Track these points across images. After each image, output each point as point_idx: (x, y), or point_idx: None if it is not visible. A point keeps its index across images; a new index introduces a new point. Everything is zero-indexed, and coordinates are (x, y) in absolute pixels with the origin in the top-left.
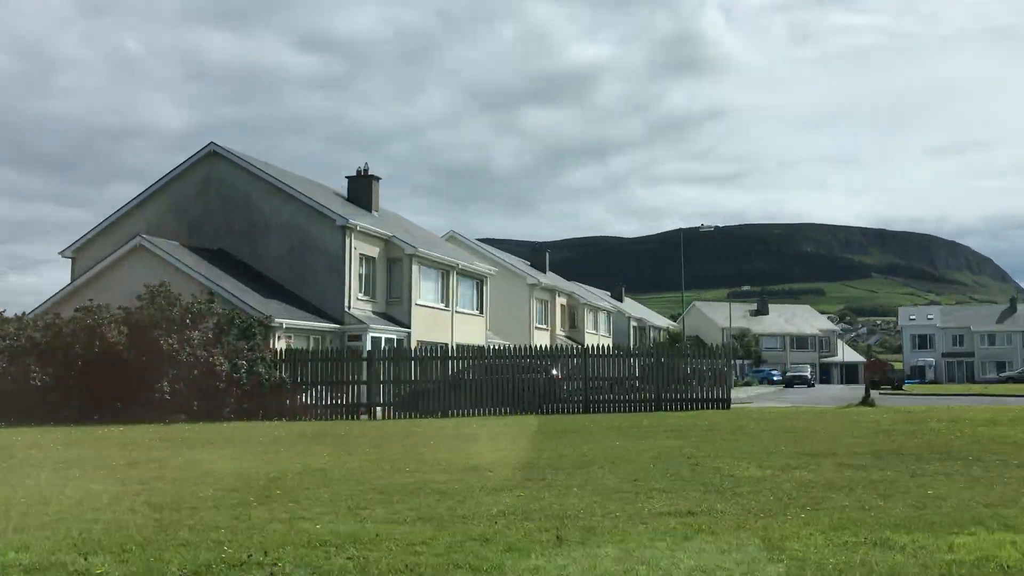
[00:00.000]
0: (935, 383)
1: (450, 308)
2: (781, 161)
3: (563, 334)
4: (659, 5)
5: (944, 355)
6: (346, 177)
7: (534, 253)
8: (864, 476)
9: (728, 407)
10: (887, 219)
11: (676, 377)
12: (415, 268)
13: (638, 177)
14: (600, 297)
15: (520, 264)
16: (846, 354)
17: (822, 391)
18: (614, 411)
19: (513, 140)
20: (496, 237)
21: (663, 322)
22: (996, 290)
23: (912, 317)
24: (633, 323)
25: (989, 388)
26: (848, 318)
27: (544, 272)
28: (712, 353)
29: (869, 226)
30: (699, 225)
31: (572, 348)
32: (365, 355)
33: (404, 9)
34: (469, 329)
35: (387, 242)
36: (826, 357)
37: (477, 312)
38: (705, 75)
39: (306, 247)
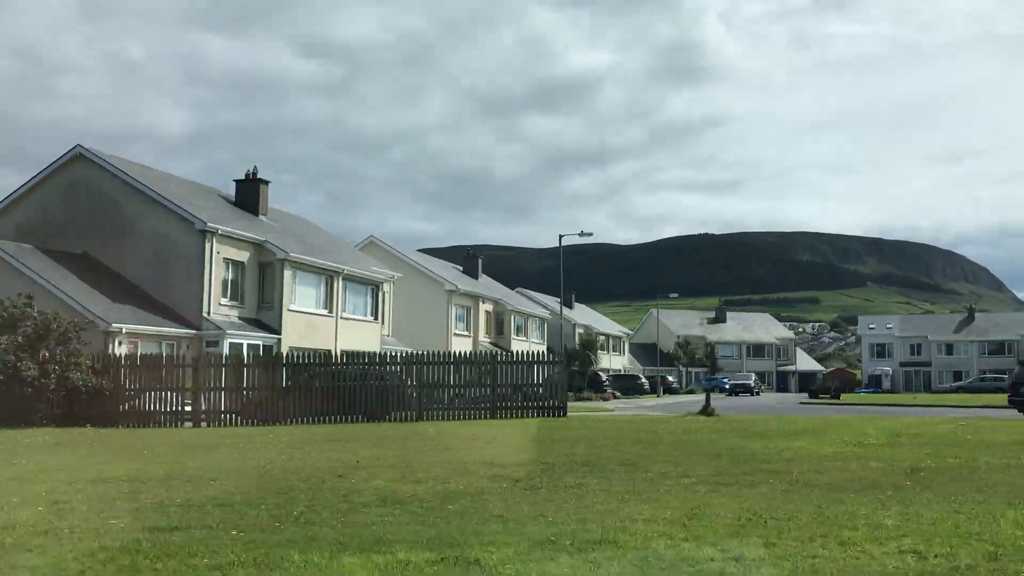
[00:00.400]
0: (891, 392)
1: (334, 314)
2: (780, 168)
3: (488, 340)
4: (659, 13)
5: (902, 364)
6: (234, 181)
7: (467, 259)
8: (490, 487)
9: (564, 414)
10: (885, 227)
11: (511, 384)
12: (288, 273)
13: (638, 184)
14: (543, 305)
15: (444, 270)
16: (804, 363)
17: (751, 400)
18: (450, 418)
19: (514, 146)
20: (495, 244)
21: (615, 329)
22: (992, 300)
23: (871, 326)
24: (580, 330)
25: (936, 398)
26: (840, 327)
27: (476, 278)
28: (548, 360)
29: (866, 235)
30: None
31: (406, 355)
32: (191, 361)
33: (404, 14)
34: (360, 336)
35: (259, 247)
36: (784, 365)
37: (371, 318)
38: (705, 82)
39: (168, 251)
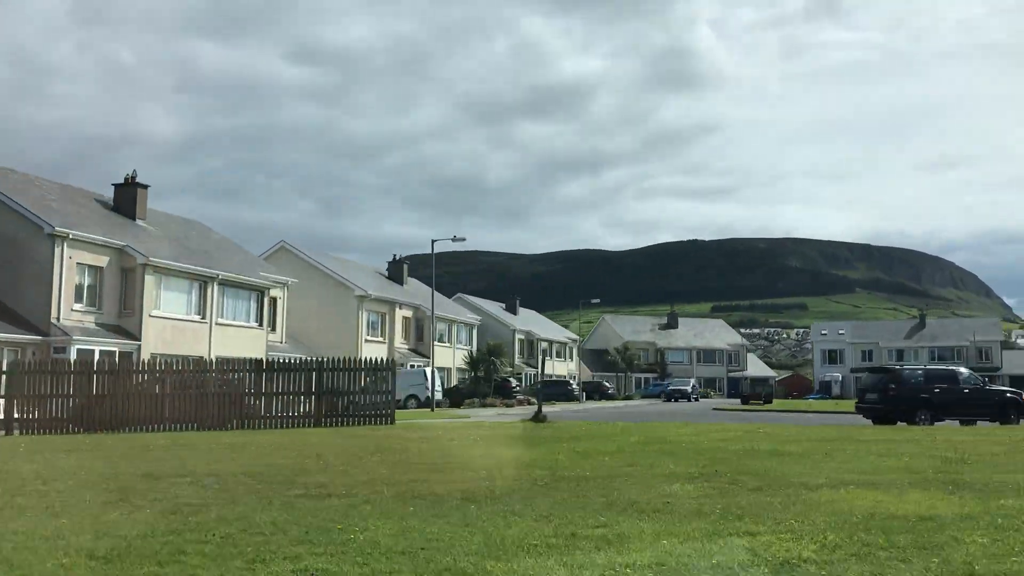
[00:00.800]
0: (841, 398)
1: (208, 320)
2: (773, 175)
3: (406, 347)
4: (651, 20)
5: (853, 371)
6: (112, 185)
7: (392, 265)
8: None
9: (392, 422)
10: (878, 233)
11: (339, 391)
12: (150, 278)
13: (631, 191)
14: (484, 312)
15: (361, 276)
16: (756, 368)
17: (686, 405)
18: (279, 427)
19: (507, 153)
20: (488, 250)
21: (562, 335)
22: (979, 305)
23: (824, 332)
24: (520, 336)
25: (846, 404)
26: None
27: (402, 284)
28: (377, 367)
29: (855, 241)
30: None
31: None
32: (6, 368)
33: (397, 21)
34: (241, 342)
35: (120, 251)
36: (735, 371)
37: (255, 324)
38: (697, 89)
39: (16, 256)
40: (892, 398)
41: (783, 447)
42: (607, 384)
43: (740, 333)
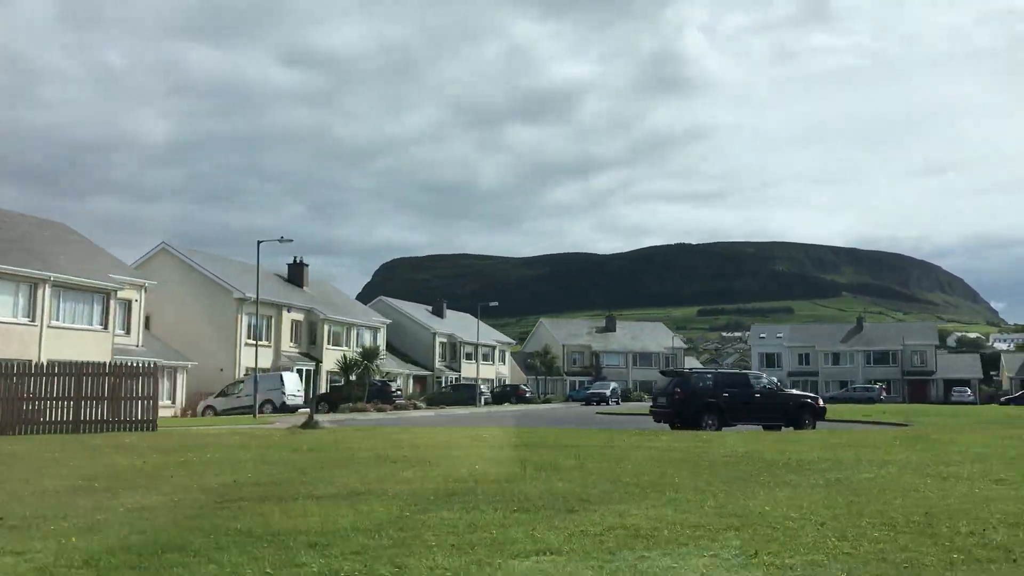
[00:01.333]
0: None
1: (39, 323)
2: (763, 180)
3: (296, 350)
4: (641, 24)
5: (790, 374)
6: None
7: (292, 267)
8: None
9: (154, 428)
10: (867, 238)
11: (99, 397)
12: None
13: (622, 195)
14: (408, 316)
15: (243, 279)
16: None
17: (580, 410)
18: (29, 432)
19: (498, 157)
20: (478, 253)
21: (492, 339)
22: (967, 310)
23: (762, 335)
24: (441, 339)
25: None
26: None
27: (302, 286)
28: (139, 372)
29: (842, 245)
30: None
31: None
32: None
33: (387, 25)
34: (79, 345)
35: None
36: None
37: (99, 327)
38: (687, 94)
39: None
40: (679, 402)
41: (412, 452)
42: (524, 387)
43: (723, 333)
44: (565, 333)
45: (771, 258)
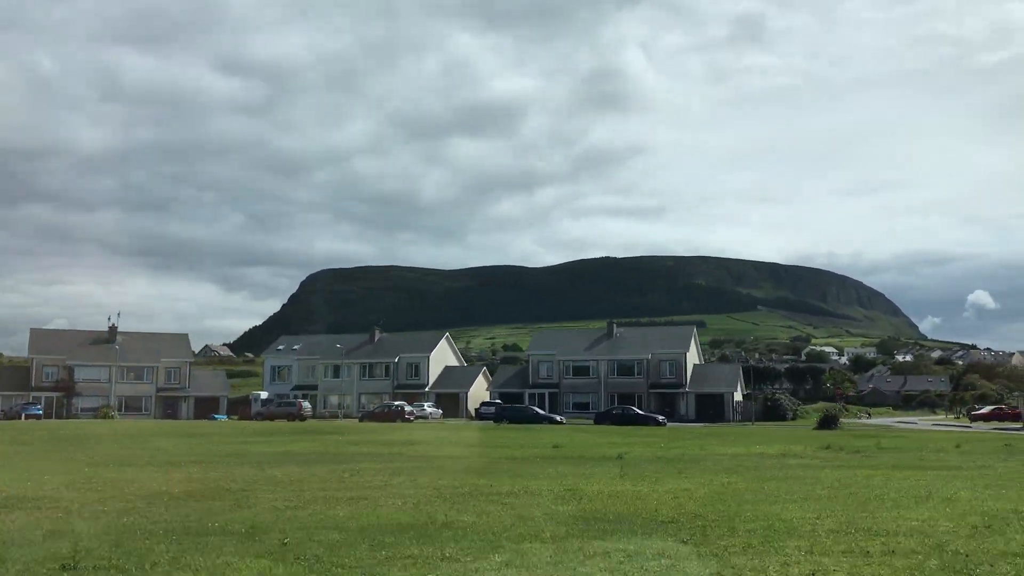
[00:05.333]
0: None
1: None
2: (702, 197)
3: None
4: (580, 41)
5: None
6: None
7: None
8: None
9: None
10: (804, 255)
11: None
12: None
13: (565, 209)
14: None
15: None
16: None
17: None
18: None
19: (440, 170)
20: (408, 265)
21: None
22: (885, 324)
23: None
24: None
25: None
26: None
27: None
28: None
29: (763, 260)
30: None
31: None
32: None
33: (326, 36)
34: None
35: None
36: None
37: None
38: (627, 111)
39: None
40: None
41: None
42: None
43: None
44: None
45: (692, 272)
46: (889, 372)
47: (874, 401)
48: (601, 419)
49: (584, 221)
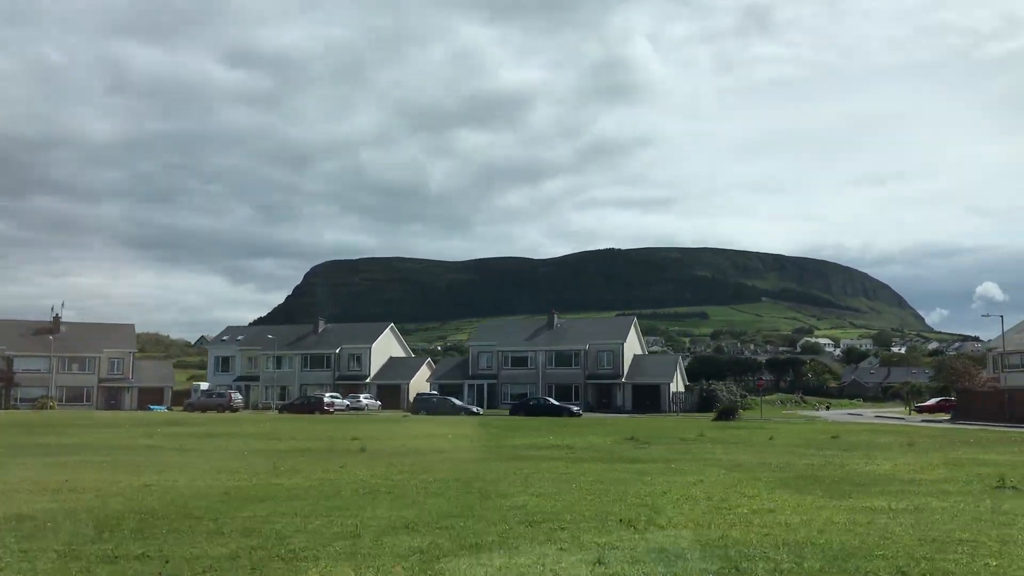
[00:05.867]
0: None
1: None
2: (710, 187)
3: None
4: (587, 31)
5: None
6: None
7: None
8: None
9: None
10: (811, 246)
11: None
12: None
13: (572, 200)
14: None
15: None
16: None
17: None
18: None
19: (447, 161)
20: (418, 257)
21: None
22: (890, 315)
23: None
24: None
25: None
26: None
27: None
28: None
29: (768, 252)
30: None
31: None
32: None
33: (332, 27)
34: None
35: None
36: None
37: None
38: (634, 102)
39: None
40: None
41: None
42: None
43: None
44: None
45: (696, 264)
46: (878, 364)
47: (854, 393)
48: (516, 410)
49: (591, 212)
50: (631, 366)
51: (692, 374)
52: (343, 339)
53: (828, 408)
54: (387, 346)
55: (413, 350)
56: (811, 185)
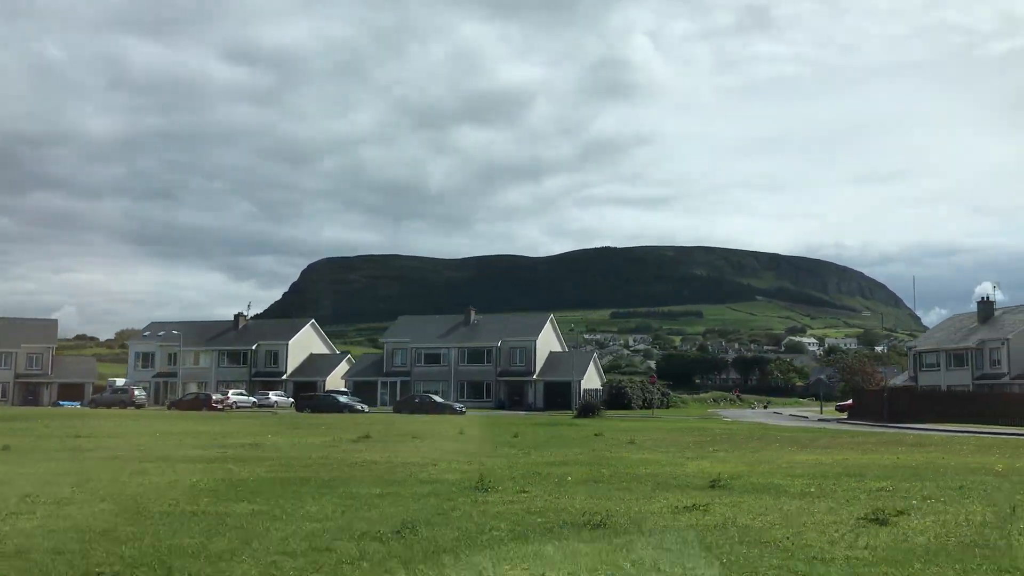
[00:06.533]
0: None
1: None
2: (710, 186)
3: None
4: (587, 29)
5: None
6: None
7: None
8: None
9: None
10: (811, 245)
11: None
12: None
13: (572, 198)
14: None
15: None
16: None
17: None
18: None
19: (447, 159)
20: (427, 255)
21: None
22: (886, 315)
23: None
24: None
25: None
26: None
27: None
28: None
29: (763, 251)
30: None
31: None
32: None
33: (333, 24)
34: None
35: None
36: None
37: None
38: (634, 100)
39: None
40: None
41: None
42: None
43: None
44: None
45: (692, 263)
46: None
47: (817, 392)
48: (400, 407)
49: (591, 210)
50: (545, 363)
51: (661, 373)
52: (261, 336)
53: (766, 407)
54: (308, 342)
55: None
56: (811, 183)
